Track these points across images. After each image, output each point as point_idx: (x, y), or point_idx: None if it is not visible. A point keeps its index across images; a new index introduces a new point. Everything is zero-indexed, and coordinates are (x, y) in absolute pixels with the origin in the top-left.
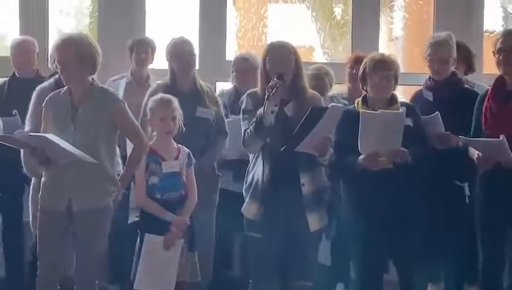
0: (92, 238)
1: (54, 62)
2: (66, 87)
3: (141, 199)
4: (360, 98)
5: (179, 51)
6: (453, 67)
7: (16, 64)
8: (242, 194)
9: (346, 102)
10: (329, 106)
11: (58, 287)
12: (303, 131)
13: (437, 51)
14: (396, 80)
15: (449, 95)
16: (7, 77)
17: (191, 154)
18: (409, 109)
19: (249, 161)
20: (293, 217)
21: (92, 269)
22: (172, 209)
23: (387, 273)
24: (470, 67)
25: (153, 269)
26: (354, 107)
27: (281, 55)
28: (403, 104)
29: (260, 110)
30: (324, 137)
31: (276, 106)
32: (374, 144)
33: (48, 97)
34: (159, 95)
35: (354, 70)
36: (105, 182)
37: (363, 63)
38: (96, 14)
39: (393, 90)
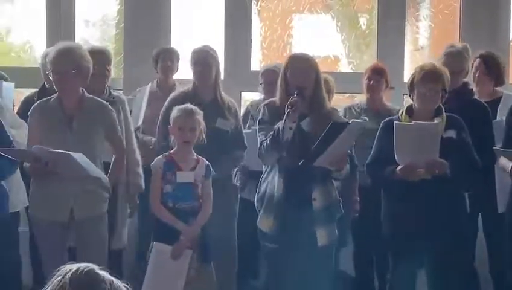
0: (95, 245)
1: (47, 72)
2: (55, 97)
3: (155, 206)
4: (405, 108)
5: (195, 59)
6: (465, 78)
7: (46, 75)
8: None
9: (365, 117)
10: (351, 121)
11: None
12: (322, 145)
13: (450, 62)
14: (445, 93)
15: (458, 106)
16: (35, 88)
17: (210, 167)
18: (454, 121)
19: None
20: (303, 231)
21: None
22: (185, 219)
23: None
24: (498, 80)
25: (159, 278)
26: (398, 117)
27: (302, 68)
28: (448, 116)
29: (278, 125)
30: (343, 153)
31: (294, 122)
32: (410, 154)
33: (34, 106)
34: (184, 105)
35: (371, 82)
36: (101, 189)
37: (412, 72)
38: (122, 25)
39: (441, 102)
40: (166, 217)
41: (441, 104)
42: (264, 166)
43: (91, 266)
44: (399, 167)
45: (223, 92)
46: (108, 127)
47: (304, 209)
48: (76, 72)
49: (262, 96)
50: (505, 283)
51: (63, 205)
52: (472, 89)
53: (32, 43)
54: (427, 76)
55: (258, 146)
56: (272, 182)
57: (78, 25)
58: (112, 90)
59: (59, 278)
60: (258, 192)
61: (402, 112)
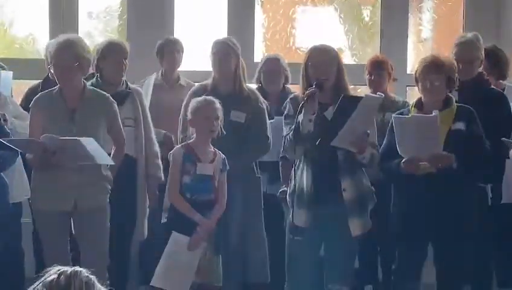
0: (98, 236)
1: (49, 64)
2: (57, 89)
3: (173, 197)
4: (415, 101)
5: (215, 49)
6: (480, 68)
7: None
8: (276, 196)
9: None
10: (364, 95)
11: None
12: (337, 122)
13: (462, 51)
14: (452, 82)
15: (475, 96)
16: (38, 80)
17: (226, 161)
18: (464, 112)
19: None
20: (335, 223)
21: (101, 267)
22: (200, 211)
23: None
24: (500, 75)
25: (172, 267)
26: (409, 110)
27: (322, 60)
28: (458, 107)
29: (299, 118)
30: (362, 131)
31: (313, 114)
32: (412, 148)
33: (36, 98)
34: (203, 97)
35: (372, 76)
36: (103, 180)
37: (417, 65)
38: (125, 16)
39: (448, 92)
40: (185, 208)
41: (450, 95)
42: (295, 160)
43: (83, 271)
44: (402, 161)
45: (244, 84)
46: (110, 118)
47: (335, 201)
48: (78, 65)
49: (257, 85)
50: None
51: (67, 195)
52: (488, 79)
53: (35, 35)
54: (428, 68)
55: (283, 140)
56: (301, 176)
57: (81, 17)
58: (128, 83)
59: (52, 278)
60: (289, 187)
61: (412, 106)
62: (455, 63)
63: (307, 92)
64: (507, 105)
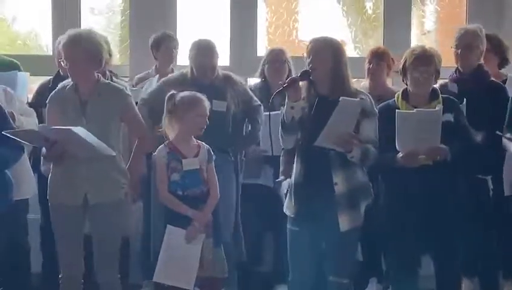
0: (109, 231)
1: (61, 59)
2: (71, 84)
3: (163, 196)
4: (400, 92)
5: (203, 54)
6: (482, 59)
7: (59, 63)
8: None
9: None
10: (340, 99)
11: (82, 282)
12: (317, 124)
13: (462, 37)
14: (438, 74)
15: (474, 87)
16: (40, 75)
17: (211, 151)
18: (451, 104)
19: None
20: (325, 216)
21: (112, 262)
22: (195, 205)
23: (420, 268)
24: (503, 60)
25: (173, 261)
26: (394, 101)
27: (314, 49)
28: (445, 99)
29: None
30: (346, 132)
31: (296, 101)
32: (412, 142)
33: (52, 93)
34: (193, 93)
35: (371, 65)
36: (118, 174)
37: (404, 56)
38: (128, 12)
39: (434, 84)
40: (176, 205)
41: (435, 87)
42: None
43: None
44: (400, 155)
45: (221, 71)
46: (123, 111)
47: (326, 194)
48: (85, 58)
49: (262, 79)
50: None
51: (77, 189)
52: (488, 71)
53: (38, 31)
54: (419, 59)
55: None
56: (295, 167)
57: (83, 13)
58: (113, 78)
59: None
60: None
61: (398, 96)
62: (440, 56)
63: (288, 79)
64: (506, 97)
